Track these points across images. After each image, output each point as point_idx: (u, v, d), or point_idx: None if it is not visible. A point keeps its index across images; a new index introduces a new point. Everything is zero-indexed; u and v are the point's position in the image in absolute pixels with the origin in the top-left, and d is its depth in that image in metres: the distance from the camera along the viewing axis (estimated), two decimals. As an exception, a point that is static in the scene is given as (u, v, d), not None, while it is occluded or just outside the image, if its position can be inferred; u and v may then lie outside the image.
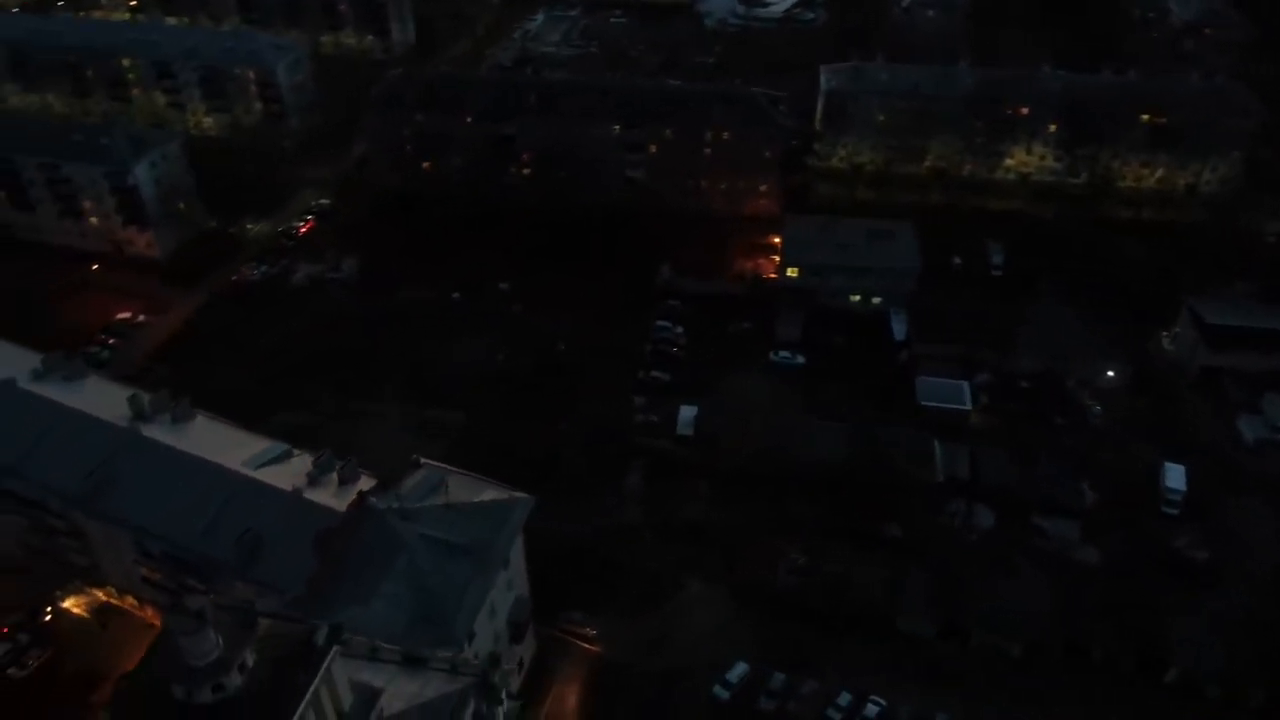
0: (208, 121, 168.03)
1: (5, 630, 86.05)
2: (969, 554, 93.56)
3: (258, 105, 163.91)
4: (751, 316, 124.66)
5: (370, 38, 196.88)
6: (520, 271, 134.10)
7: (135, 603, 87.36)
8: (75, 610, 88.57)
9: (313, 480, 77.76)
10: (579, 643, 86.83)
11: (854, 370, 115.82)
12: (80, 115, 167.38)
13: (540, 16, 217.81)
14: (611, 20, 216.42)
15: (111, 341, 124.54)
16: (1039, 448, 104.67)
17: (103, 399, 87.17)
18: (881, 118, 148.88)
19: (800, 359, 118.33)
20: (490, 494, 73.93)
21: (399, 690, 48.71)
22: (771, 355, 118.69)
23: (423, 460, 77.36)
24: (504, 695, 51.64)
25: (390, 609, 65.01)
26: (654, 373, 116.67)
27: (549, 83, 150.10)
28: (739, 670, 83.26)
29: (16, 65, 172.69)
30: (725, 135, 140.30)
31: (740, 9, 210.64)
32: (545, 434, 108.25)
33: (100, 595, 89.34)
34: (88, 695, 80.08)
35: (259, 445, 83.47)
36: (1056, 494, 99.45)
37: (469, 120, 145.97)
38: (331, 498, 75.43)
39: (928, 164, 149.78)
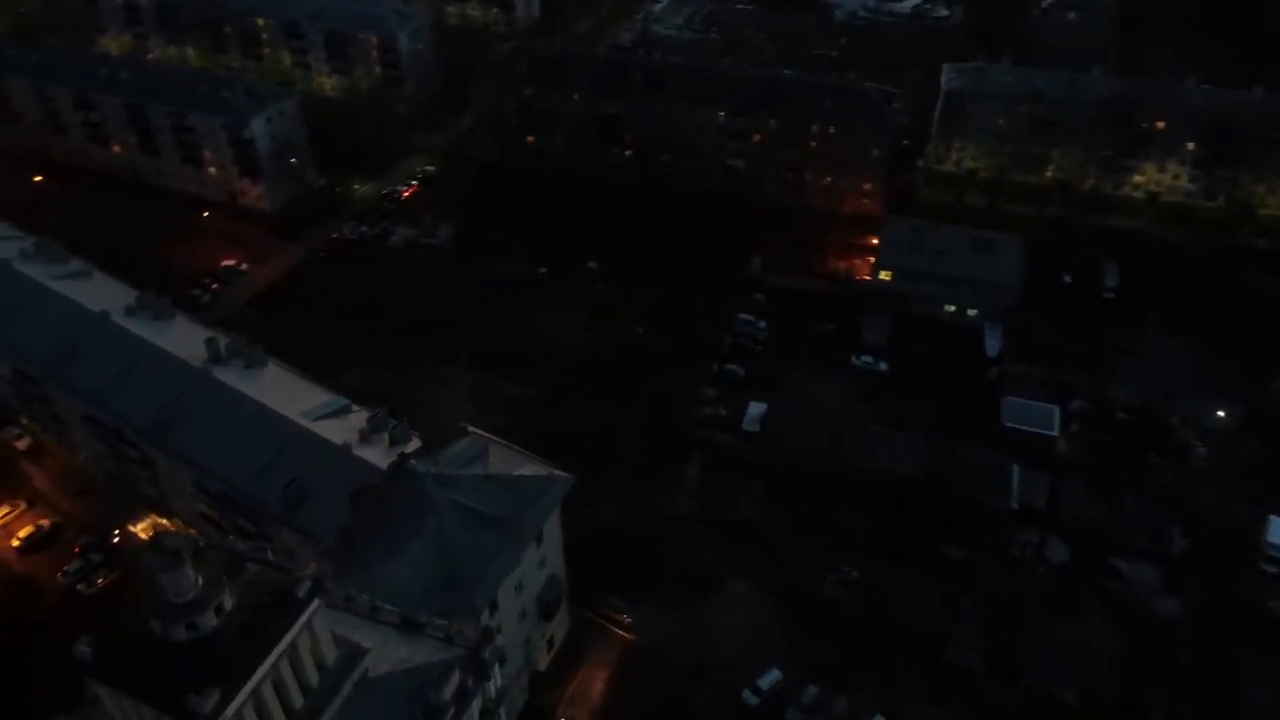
0: (329, 83, 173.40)
1: (78, 549, 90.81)
2: (1034, 589, 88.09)
3: (377, 70, 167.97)
4: (837, 317, 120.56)
5: (494, 10, 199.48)
6: (610, 251, 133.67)
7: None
8: (142, 535, 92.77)
9: (364, 437, 78.92)
10: (614, 628, 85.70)
11: (938, 382, 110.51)
12: (214, 69, 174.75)
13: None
14: (737, 6, 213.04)
15: (215, 286, 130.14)
16: (1128, 485, 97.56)
17: (185, 339, 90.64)
18: (1002, 122, 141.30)
19: (883, 365, 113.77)
20: (530, 469, 73.36)
21: (389, 652, 48.65)
22: (853, 359, 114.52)
23: (470, 429, 77.45)
24: (494, 672, 50.85)
25: (414, 571, 65.29)
26: (729, 365, 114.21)
27: (657, 64, 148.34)
28: (771, 677, 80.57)
29: (164, 19, 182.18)
30: (832, 129, 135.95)
31: (871, 2, 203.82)
32: (610, 415, 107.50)
33: (167, 524, 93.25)
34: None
35: (322, 398, 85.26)
36: (1141, 536, 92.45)
37: (575, 97, 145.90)
38: (380, 456, 76.31)
39: (1048, 174, 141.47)
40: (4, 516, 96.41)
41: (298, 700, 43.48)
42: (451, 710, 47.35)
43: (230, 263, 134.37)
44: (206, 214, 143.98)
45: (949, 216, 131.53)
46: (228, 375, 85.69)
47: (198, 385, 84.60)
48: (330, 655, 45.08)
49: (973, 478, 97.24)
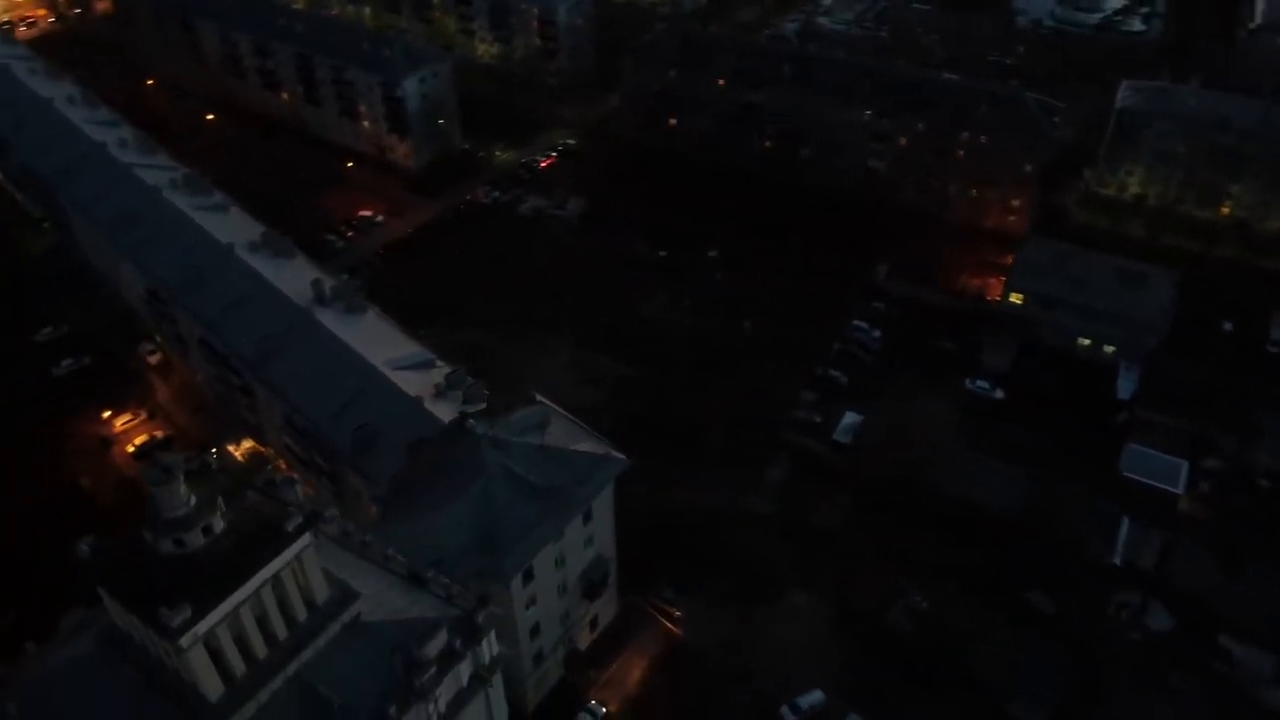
0: (489, 50, 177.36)
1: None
2: (1124, 656, 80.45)
3: (535, 41, 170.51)
4: (958, 336, 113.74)
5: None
6: (733, 241, 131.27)
7: (284, 466, 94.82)
8: (238, 456, 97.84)
9: (439, 392, 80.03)
10: (663, 619, 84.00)
11: (1056, 419, 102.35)
12: (384, 29, 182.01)
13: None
14: (913, 5, 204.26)
15: (350, 234, 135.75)
16: (1256, 559, 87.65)
17: (297, 278, 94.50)
18: (1181, 149, 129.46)
19: (999, 393, 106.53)
20: (587, 445, 72.41)
21: (387, 601, 48.78)
22: (967, 382, 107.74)
23: (538, 398, 77.26)
24: (489, 639, 50.16)
25: (454, 528, 65.66)
26: (832, 371, 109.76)
27: (806, 56, 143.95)
28: (813, 698, 76.95)
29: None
30: (983, 139, 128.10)
31: (1058, 10, 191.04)
32: (702, 405, 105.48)
33: (261, 450, 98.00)
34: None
35: (410, 349, 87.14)
36: (1260, 617, 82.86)
37: (720, 83, 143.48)
38: (449, 412, 76.98)
39: (1224, 210, 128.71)
40: (127, 423, 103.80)
41: (281, 632, 44.22)
42: (433, 669, 46.96)
43: (367, 213, 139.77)
44: (351, 164, 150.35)
45: (1102, 244, 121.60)
46: (327, 317, 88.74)
47: (298, 323, 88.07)
48: (322, 594, 45.58)
49: (1075, 523, 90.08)
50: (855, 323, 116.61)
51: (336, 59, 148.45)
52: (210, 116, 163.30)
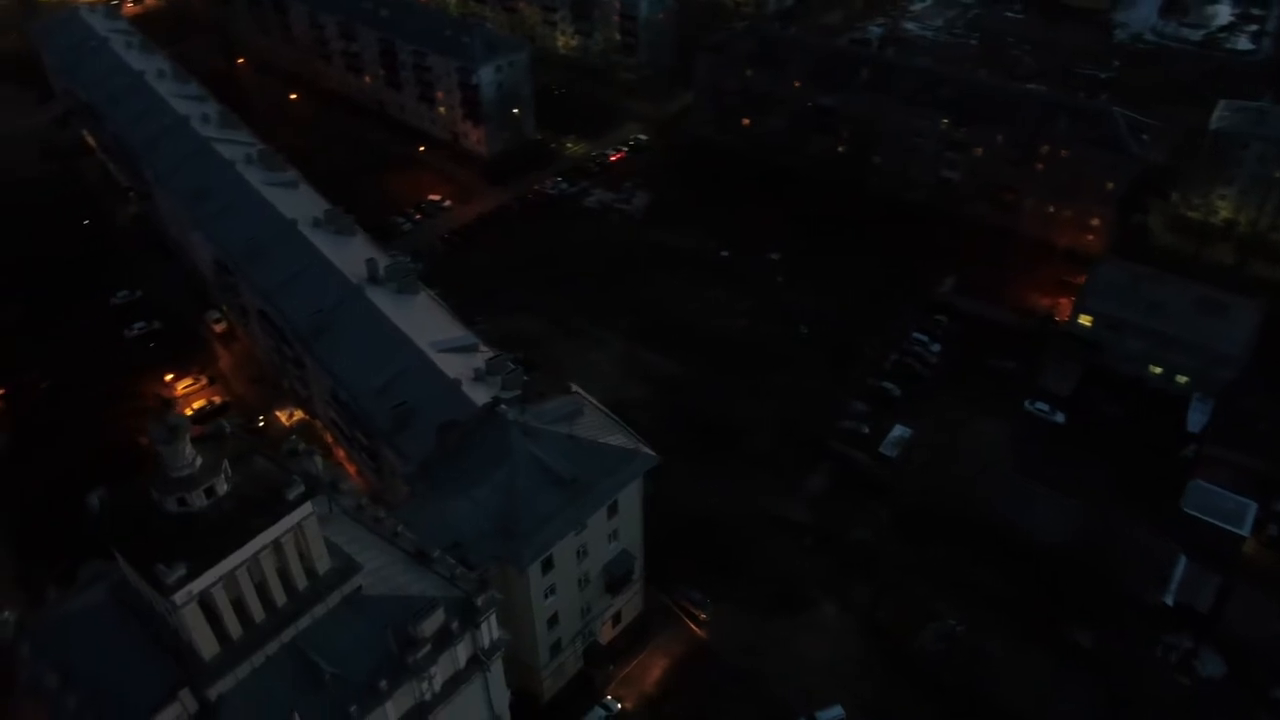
0: (568, 42, 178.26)
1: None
2: (1167, 700, 76.59)
3: (615, 35, 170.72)
4: (1021, 356, 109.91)
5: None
6: (797, 245, 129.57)
7: (330, 440, 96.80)
8: (285, 423, 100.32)
9: (478, 376, 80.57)
10: (687, 620, 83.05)
11: (1117, 448, 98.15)
12: (468, 16, 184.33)
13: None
14: (1007, 14, 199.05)
15: (417, 217, 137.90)
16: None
17: (354, 256, 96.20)
18: (1278, 174, 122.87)
19: (1059, 417, 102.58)
20: (618, 439, 71.86)
21: (390, 577, 49.04)
22: (1026, 403, 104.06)
23: (574, 388, 77.16)
24: (490, 623, 50.03)
25: (476, 511, 65.88)
26: (886, 383, 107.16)
27: (884, 61, 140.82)
28: (834, 713, 75.05)
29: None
30: (1064, 153, 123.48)
31: (1160, 24, 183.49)
32: (750, 408, 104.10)
33: (310, 421, 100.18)
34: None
35: (456, 332, 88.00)
36: (1321, 672, 78.02)
37: (796, 85, 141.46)
38: (486, 397, 77.38)
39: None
40: (188, 386, 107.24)
41: (280, 598, 44.84)
42: (428, 647, 47.07)
43: (436, 197, 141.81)
44: (422, 148, 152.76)
45: (1183, 269, 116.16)
46: (378, 296, 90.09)
47: (350, 300, 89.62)
48: (323, 564, 46.08)
49: (1127, 558, 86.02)
50: (915, 335, 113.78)
51: (418, 44, 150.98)
52: (294, 96, 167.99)
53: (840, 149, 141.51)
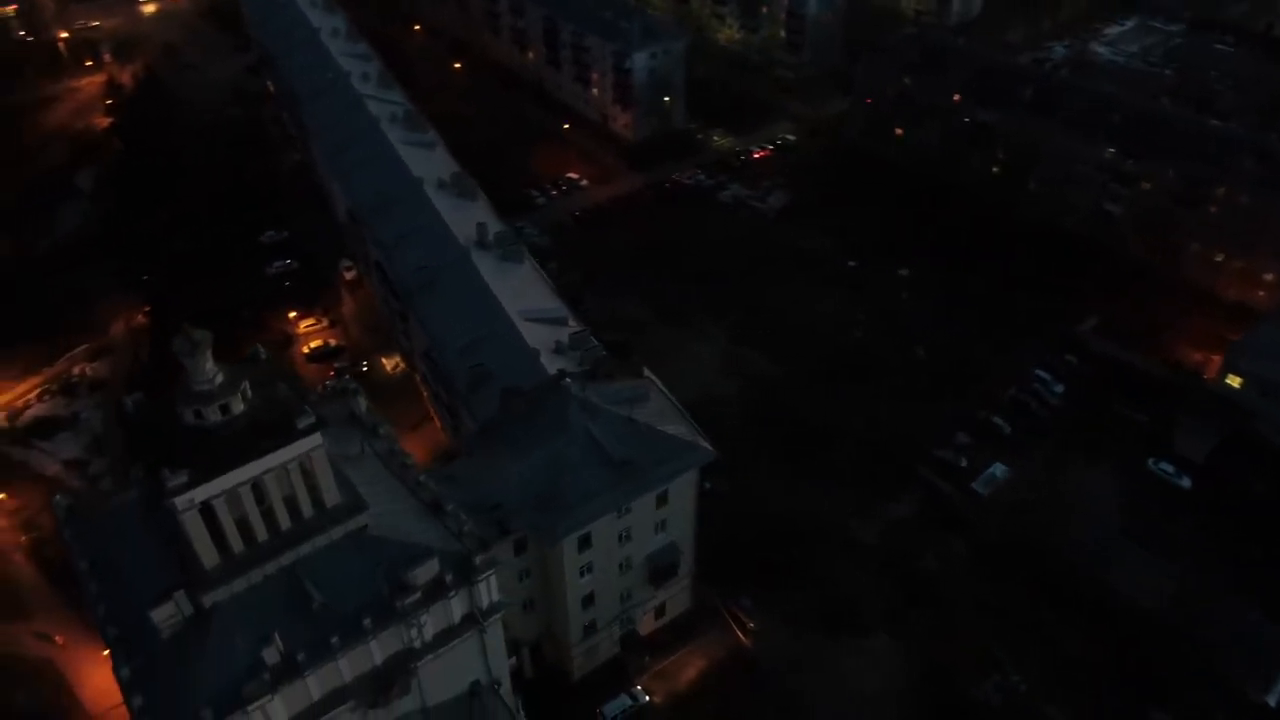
0: (732, 35, 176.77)
1: (333, 371, 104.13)
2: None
3: (780, 32, 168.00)
4: (1153, 409, 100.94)
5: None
6: (930, 262, 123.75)
7: (425, 393, 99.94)
8: (387, 369, 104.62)
9: (558, 349, 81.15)
10: (734, 625, 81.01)
11: (1248, 525, 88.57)
12: (639, 2, 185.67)
13: (1131, 23, 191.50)
14: (1215, 46, 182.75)
15: (554, 193, 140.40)
16: None
17: (469, 219, 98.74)
18: None
19: (1185, 481, 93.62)
20: (677, 429, 70.65)
21: (400, 523, 49.81)
22: (1150, 462, 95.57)
23: (646, 372, 76.36)
24: (487, 584, 50.06)
25: (523, 479, 66.40)
26: (997, 418, 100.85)
27: (1052, 80, 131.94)
28: (866, 749, 71.53)
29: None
30: (1245, 198, 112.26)
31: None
32: (844, 420, 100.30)
33: (409, 371, 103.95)
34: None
35: (549, 304, 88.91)
36: None
37: (955, 97, 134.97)
38: (561, 368, 77.84)
39: None
40: (309, 325, 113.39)
41: (285, 523, 46.44)
42: (418, 595, 47.66)
43: (574, 176, 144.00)
44: (567, 126, 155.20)
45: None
46: (482, 260, 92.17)
47: (455, 260, 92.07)
48: (331, 497, 47.38)
49: (1231, 643, 77.67)
50: (1038, 371, 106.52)
51: (578, 24, 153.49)
52: (457, 65, 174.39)
53: (994, 169, 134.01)
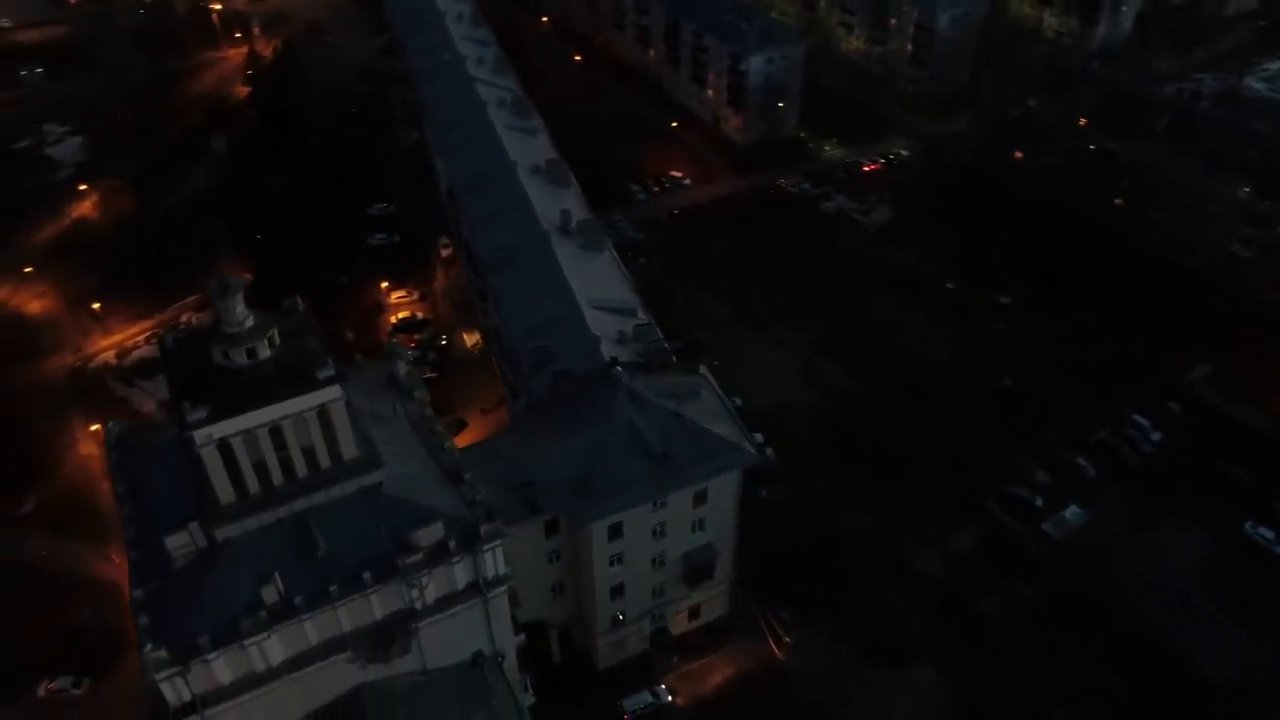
0: (858, 46, 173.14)
1: (413, 343, 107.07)
2: None
3: (908, 47, 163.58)
4: (1260, 469, 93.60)
5: (1074, 20, 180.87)
6: (1032, 292, 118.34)
7: (498, 371, 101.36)
8: (468, 345, 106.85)
9: (621, 338, 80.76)
10: (770, 638, 79.16)
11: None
12: (763, 6, 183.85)
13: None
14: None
15: (656, 189, 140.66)
16: None
17: (557, 205, 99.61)
18: None
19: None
20: (724, 429, 69.44)
21: (416, 485, 50.46)
22: (1248, 525, 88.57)
23: (701, 369, 75.46)
24: (492, 555, 50.20)
25: (561, 461, 66.53)
26: (1082, 459, 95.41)
27: (1188, 111, 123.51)
28: (888, 784, 68.65)
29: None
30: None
31: None
32: (916, 443, 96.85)
33: (485, 347, 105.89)
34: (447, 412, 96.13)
35: (622, 294, 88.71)
36: None
37: (1080, 122, 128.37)
38: (621, 358, 77.62)
39: None
40: (400, 297, 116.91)
41: (301, 471, 47.77)
42: (419, 556, 48.24)
43: (678, 174, 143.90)
44: (674, 124, 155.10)
45: None
46: (561, 245, 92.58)
47: (535, 244, 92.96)
48: (349, 451, 48.48)
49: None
50: (1134, 416, 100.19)
51: (698, 25, 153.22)
52: (578, 57, 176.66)
53: (1116, 200, 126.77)
